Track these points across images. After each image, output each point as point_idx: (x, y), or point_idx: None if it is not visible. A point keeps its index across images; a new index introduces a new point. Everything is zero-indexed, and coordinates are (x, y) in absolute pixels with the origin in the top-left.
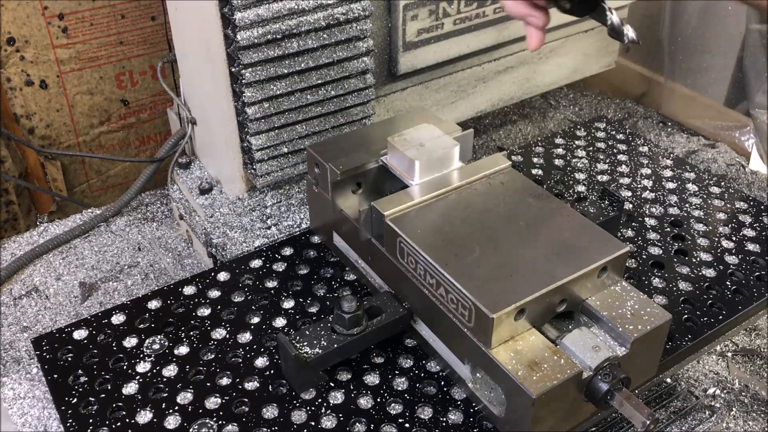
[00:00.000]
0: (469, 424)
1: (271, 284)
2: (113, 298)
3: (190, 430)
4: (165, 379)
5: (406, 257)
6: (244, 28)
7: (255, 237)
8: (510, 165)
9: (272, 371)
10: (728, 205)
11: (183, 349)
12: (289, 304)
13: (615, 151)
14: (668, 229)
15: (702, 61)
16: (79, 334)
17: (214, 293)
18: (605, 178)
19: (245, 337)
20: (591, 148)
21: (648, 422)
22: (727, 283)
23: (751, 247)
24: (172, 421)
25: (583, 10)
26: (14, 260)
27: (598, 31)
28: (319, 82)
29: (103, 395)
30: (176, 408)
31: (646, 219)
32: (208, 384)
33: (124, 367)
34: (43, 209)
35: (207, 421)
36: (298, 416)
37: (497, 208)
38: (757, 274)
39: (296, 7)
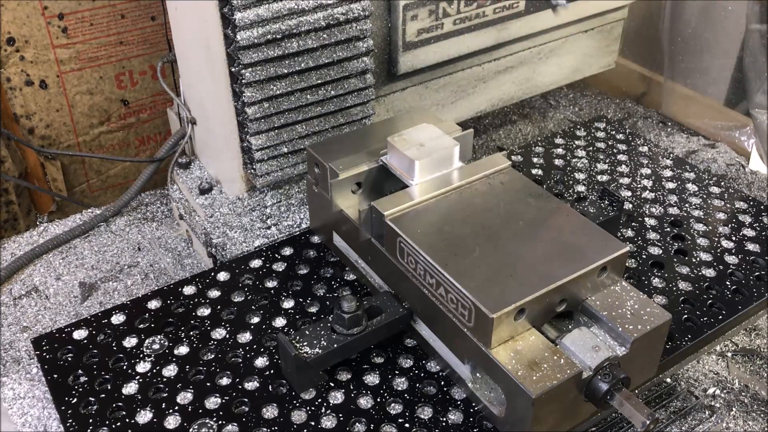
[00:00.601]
0: (469, 424)
1: (271, 284)
2: (113, 298)
3: (190, 430)
4: (165, 379)
5: (406, 257)
6: (244, 28)
7: (255, 237)
8: (510, 165)
9: (272, 371)
10: (728, 205)
11: (183, 349)
12: (289, 304)
13: (615, 151)
14: (668, 229)
15: (702, 61)
16: (79, 334)
17: (214, 293)
18: (605, 178)
19: (245, 337)
20: (591, 148)
21: (648, 422)
22: (727, 283)
23: (750, 247)
24: (172, 421)
25: None
26: (14, 260)
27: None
28: (319, 82)
29: (103, 395)
30: (176, 408)
31: (646, 219)
32: (208, 384)
33: (124, 367)
34: (43, 209)
35: (207, 421)
36: (298, 416)
37: (497, 208)
38: (756, 274)
39: (296, 7)
